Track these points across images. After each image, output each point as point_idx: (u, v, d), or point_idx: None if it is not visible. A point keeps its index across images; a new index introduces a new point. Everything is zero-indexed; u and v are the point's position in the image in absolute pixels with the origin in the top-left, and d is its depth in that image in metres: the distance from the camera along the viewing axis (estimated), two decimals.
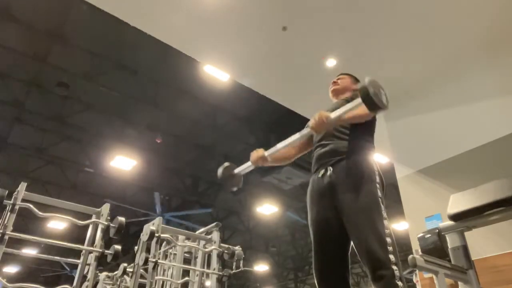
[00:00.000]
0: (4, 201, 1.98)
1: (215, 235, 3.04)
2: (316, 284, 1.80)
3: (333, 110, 1.90)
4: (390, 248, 1.61)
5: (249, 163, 2.00)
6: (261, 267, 13.57)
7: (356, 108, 1.65)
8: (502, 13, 3.54)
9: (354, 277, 14.03)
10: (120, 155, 7.99)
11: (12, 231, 1.96)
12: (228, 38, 3.95)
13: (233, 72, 4.57)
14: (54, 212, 2.24)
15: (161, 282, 3.18)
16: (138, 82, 6.81)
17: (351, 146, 1.86)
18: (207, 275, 2.99)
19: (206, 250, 3.01)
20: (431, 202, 3.72)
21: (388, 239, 1.63)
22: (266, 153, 1.96)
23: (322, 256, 1.80)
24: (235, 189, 2.08)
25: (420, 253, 2.10)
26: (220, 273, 2.88)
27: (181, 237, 3.18)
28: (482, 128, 3.64)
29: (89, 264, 2.19)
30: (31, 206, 2.08)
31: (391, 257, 1.59)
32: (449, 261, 2.30)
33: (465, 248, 2.34)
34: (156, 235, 2.53)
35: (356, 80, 2.29)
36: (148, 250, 2.48)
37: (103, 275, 3.54)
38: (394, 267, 1.57)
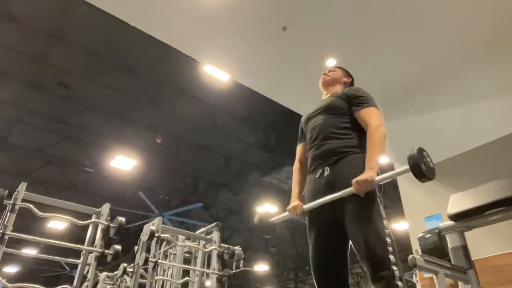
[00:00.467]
0: (4, 201, 1.99)
1: (215, 235, 3.04)
2: (315, 284, 1.79)
3: (323, 107, 1.98)
4: (389, 248, 1.61)
5: (286, 213, 1.97)
6: (261, 267, 13.57)
7: (401, 174, 1.68)
8: (502, 13, 3.54)
9: (354, 277, 14.02)
10: (120, 155, 7.99)
11: (12, 231, 1.97)
12: (228, 38, 3.95)
13: (233, 72, 4.58)
14: (54, 212, 2.24)
15: (161, 282, 3.18)
16: (138, 82, 6.81)
17: (348, 146, 1.86)
18: (207, 275, 2.99)
19: (206, 250, 3.01)
20: (431, 202, 3.73)
21: (388, 239, 1.63)
22: (297, 201, 1.93)
23: (321, 256, 1.79)
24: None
25: (420, 253, 2.10)
26: (220, 273, 2.88)
27: (181, 237, 3.18)
28: (482, 128, 3.64)
29: (89, 264, 2.20)
30: (31, 206, 2.09)
31: (391, 257, 1.59)
32: (449, 261, 2.30)
33: (465, 248, 2.35)
34: (156, 235, 2.52)
35: (348, 74, 2.29)
36: (148, 250, 2.48)
37: (103, 275, 3.54)
38: (394, 268, 1.57)
